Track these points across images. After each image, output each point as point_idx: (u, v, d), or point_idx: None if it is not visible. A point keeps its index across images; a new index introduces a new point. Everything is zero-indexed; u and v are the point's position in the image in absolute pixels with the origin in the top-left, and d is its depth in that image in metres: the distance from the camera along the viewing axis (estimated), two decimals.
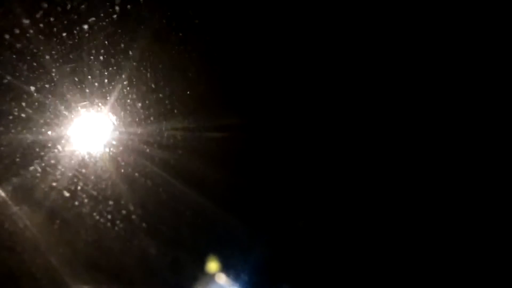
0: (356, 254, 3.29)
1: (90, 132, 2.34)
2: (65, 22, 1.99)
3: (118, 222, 2.56)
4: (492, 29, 2.42)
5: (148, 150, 2.43)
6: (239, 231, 3.22)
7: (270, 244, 3.35)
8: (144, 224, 2.67)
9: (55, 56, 2.03)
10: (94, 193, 2.44)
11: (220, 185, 2.80)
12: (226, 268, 3.31)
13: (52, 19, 1.97)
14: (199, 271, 3.29)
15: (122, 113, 2.33)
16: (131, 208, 2.56)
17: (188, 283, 3.32)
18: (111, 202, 2.49)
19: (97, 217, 2.51)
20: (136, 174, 2.46)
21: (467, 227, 2.92)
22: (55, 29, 1.98)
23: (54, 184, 2.34)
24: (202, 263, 3.26)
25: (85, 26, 2.03)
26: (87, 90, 2.19)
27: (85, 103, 2.22)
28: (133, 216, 2.59)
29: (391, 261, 3.20)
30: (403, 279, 3.19)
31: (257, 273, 3.39)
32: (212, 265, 3.31)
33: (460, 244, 3.03)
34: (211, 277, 3.32)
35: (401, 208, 3.10)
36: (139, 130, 2.37)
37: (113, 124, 2.35)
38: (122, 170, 2.43)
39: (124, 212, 2.56)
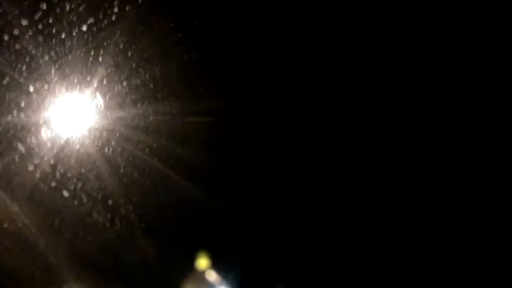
0: (356, 251, 3.18)
1: (73, 116, 2.30)
2: (47, 4, 1.95)
3: (100, 207, 2.53)
4: (492, 29, 2.44)
5: (131, 135, 2.40)
6: (228, 222, 3.08)
7: (262, 238, 3.19)
8: (126, 210, 2.62)
9: (38, 39, 1.99)
10: (76, 177, 2.40)
11: (207, 171, 2.76)
12: (215, 263, 3.19)
13: (33, 1, 1.93)
14: (186, 264, 3.19)
15: (106, 96, 2.30)
16: (114, 193, 2.53)
17: (175, 278, 3.20)
18: (93, 187, 2.45)
19: (79, 202, 2.47)
20: (119, 158, 2.42)
21: (467, 227, 2.94)
22: (36, 12, 1.94)
23: (35, 168, 2.29)
24: (189, 255, 3.15)
25: (68, 8, 1.99)
26: (70, 74, 2.15)
27: (68, 86, 2.17)
28: (116, 203, 2.56)
29: (390, 259, 3.13)
30: (401, 277, 3.13)
31: (248, 269, 3.25)
32: (202, 262, 3.21)
33: (460, 244, 3.03)
34: (200, 273, 3.23)
35: (400, 204, 3.02)
36: (122, 114, 2.34)
37: (96, 108, 2.31)
38: (105, 155, 2.40)
39: (107, 199, 2.53)
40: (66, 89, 2.18)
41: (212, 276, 3.28)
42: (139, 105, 2.37)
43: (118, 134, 2.37)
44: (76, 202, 2.47)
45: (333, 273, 3.25)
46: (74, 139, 2.32)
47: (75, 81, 2.18)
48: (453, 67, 2.56)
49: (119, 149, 2.41)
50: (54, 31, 2.01)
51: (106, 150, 2.39)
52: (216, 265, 3.25)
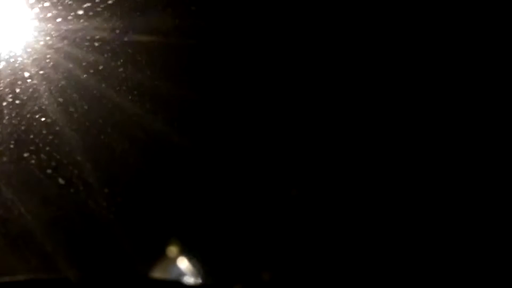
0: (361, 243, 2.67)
1: (6, 29, 2.06)
2: None
3: (37, 132, 2.22)
4: (492, 29, 2.42)
5: (73, 52, 2.11)
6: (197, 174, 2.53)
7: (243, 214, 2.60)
8: (69, 136, 2.32)
9: None
10: (11, 98, 2.13)
11: (164, 98, 2.37)
12: (188, 247, 2.74)
13: None
14: (155, 250, 2.87)
15: (45, 7, 2.02)
16: (54, 117, 2.22)
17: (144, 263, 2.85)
18: (30, 109, 2.17)
19: (15, 127, 2.20)
20: (60, 77, 2.13)
21: (467, 227, 2.91)
22: None
23: None
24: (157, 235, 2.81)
25: None
26: None
27: None
28: (57, 127, 2.25)
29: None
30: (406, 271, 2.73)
31: (226, 255, 2.67)
32: (173, 248, 2.86)
33: (459, 243, 2.96)
34: (171, 261, 2.87)
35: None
36: (64, 28, 2.06)
37: (34, 20, 2.04)
38: (43, 74, 2.11)
39: (46, 122, 2.23)
40: None
41: (183, 263, 2.85)
42: (83, 17, 2.06)
43: (59, 52, 2.08)
44: (14, 129, 2.19)
45: (333, 264, 2.71)
46: (7, 56, 2.07)
47: None
48: (453, 67, 2.56)
49: (58, 68, 2.11)
50: None
51: (43, 68, 2.09)
52: (189, 250, 2.80)
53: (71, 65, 2.13)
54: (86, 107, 2.28)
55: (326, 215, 2.63)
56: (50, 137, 2.29)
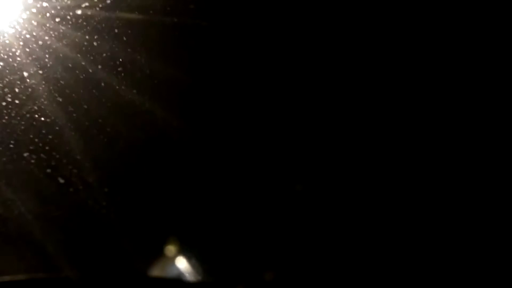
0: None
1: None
2: None
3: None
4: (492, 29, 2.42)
5: (61, 29, 2.03)
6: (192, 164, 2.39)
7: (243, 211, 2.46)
8: (68, 136, 2.29)
9: None
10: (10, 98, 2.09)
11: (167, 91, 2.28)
12: (188, 246, 2.63)
13: None
14: (154, 248, 2.81)
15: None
16: (53, 116, 2.20)
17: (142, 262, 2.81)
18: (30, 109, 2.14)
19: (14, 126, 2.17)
20: (46, 56, 2.07)
21: (467, 227, 2.91)
22: None
23: None
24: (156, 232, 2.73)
25: None
26: None
27: None
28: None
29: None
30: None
31: (228, 253, 2.54)
32: (171, 247, 2.82)
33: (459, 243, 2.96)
34: (170, 260, 2.81)
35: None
36: (49, 5, 2.00)
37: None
38: (29, 52, 2.05)
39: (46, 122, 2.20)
40: None
41: (182, 263, 2.79)
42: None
43: (44, 28, 2.02)
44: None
45: (339, 264, 2.58)
46: (5, 56, 2.02)
47: None
48: (453, 67, 2.56)
49: (45, 45, 2.05)
50: None
51: (29, 46, 2.03)
52: (188, 249, 2.71)
53: (59, 43, 2.07)
54: (85, 106, 2.26)
55: (332, 212, 2.49)
56: (50, 136, 2.27)
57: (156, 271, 2.92)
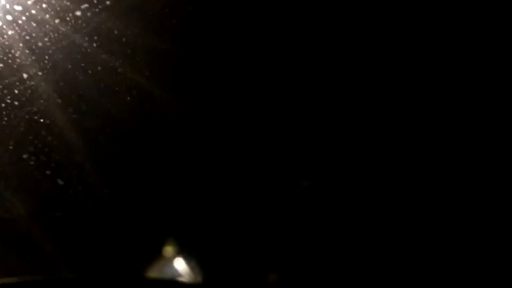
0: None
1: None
2: None
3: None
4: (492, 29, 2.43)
5: (61, 30, 2.02)
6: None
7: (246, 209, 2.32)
8: (68, 137, 2.27)
9: None
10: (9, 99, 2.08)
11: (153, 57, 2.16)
12: (186, 246, 2.56)
13: None
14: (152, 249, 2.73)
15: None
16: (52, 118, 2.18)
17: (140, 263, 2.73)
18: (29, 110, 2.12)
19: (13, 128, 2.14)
20: (46, 57, 2.06)
21: (467, 227, 2.90)
22: None
23: None
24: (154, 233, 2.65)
25: None
26: None
27: None
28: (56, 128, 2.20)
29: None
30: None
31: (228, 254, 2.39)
32: (169, 248, 2.75)
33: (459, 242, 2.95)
34: (168, 260, 2.74)
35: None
36: (49, 6, 1.98)
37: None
38: (29, 53, 2.04)
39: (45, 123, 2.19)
40: None
41: (180, 264, 2.69)
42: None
43: (44, 29, 2.01)
44: None
45: (345, 264, 2.43)
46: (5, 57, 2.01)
47: None
48: (454, 67, 2.56)
49: (46, 48, 2.04)
50: None
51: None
52: (187, 249, 2.60)
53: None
54: (85, 107, 2.27)
55: (340, 211, 2.37)
56: (49, 138, 2.27)
57: (154, 272, 2.89)
